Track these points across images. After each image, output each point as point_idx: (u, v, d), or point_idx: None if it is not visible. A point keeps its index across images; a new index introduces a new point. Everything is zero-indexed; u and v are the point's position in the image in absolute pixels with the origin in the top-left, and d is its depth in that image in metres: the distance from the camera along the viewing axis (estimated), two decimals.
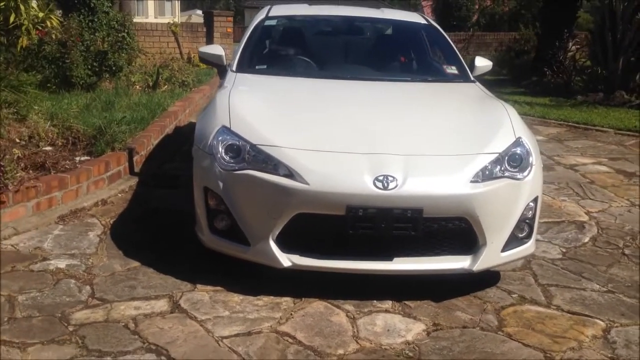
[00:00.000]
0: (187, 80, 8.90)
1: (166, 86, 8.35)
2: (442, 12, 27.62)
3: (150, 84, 8.18)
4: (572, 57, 12.13)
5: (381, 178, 3.06)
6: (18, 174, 3.99)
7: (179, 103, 7.30)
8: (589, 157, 6.86)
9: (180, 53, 11.52)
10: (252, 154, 3.24)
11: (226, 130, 3.37)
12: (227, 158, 3.28)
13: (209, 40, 12.23)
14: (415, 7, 39.56)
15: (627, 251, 4.12)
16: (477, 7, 28.51)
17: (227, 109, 3.51)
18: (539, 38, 13.71)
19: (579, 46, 12.59)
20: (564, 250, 4.09)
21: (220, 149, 3.31)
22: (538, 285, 3.55)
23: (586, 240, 4.30)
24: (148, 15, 43.62)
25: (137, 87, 8.10)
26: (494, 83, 13.59)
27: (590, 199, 5.26)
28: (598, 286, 3.56)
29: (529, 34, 16.24)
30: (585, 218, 4.75)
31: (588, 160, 6.70)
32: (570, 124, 8.67)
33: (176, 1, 51.29)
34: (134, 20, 10.26)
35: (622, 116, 9.10)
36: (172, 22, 11.36)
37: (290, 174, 3.11)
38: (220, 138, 3.34)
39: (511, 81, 13.52)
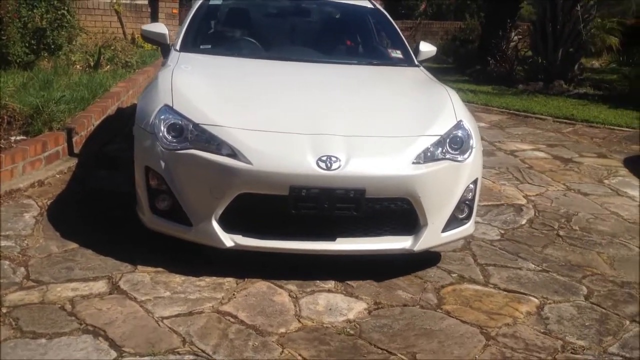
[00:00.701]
0: (131, 61, 8.67)
1: (108, 66, 8.12)
2: (390, 0, 27.76)
3: (92, 64, 7.93)
4: (514, 47, 12.41)
5: (324, 158, 3.07)
6: None
7: (122, 84, 7.12)
8: (528, 143, 7.06)
9: (124, 33, 11.20)
10: (195, 134, 3.19)
11: (169, 109, 3.31)
12: (169, 137, 3.22)
13: (154, 21, 11.93)
14: None
15: (561, 232, 4.28)
16: None
17: (169, 88, 3.45)
18: (483, 28, 13.98)
19: (521, 36, 12.89)
20: (502, 231, 4.21)
21: (162, 128, 3.24)
22: (477, 265, 3.64)
23: (523, 222, 4.43)
24: None
25: (78, 66, 7.84)
26: (440, 71, 13.79)
27: (529, 183, 5.43)
28: (533, 265, 3.69)
29: (474, 24, 16.54)
30: (523, 201, 4.89)
31: (527, 146, 6.90)
32: (511, 111, 8.89)
33: None
34: None
35: (560, 104, 9.40)
36: (114, 0, 11.01)
37: (234, 153, 3.08)
38: (162, 117, 3.28)
39: (456, 69, 13.75)
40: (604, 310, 3.18)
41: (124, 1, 11.75)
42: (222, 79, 3.84)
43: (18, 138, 4.71)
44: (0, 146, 4.34)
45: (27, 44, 7.15)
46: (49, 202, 4.04)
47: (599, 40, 17.41)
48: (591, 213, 4.71)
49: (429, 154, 3.29)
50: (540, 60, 11.22)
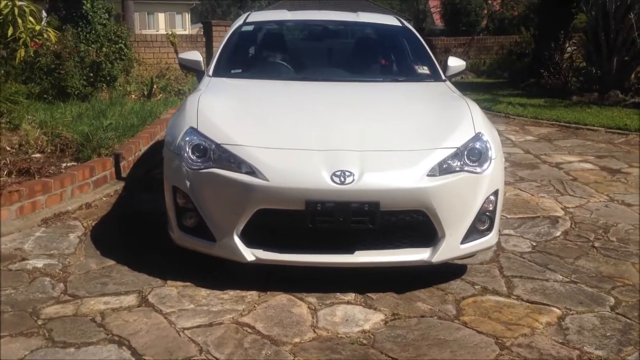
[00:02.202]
0: (183, 89, 9.08)
1: (161, 95, 8.53)
2: (451, 18, 27.72)
3: (146, 93, 8.35)
4: (569, 58, 12.16)
5: (338, 173, 3.17)
6: (1, 179, 4.14)
7: (172, 110, 7.44)
8: (576, 155, 6.91)
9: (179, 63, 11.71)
10: (218, 154, 3.36)
11: (193, 131, 3.50)
12: (193, 158, 3.40)
13: (209, 50, 12.41)
14: (424, 13, 39.67)
15: (596, 244, 4.18)
16: (485, 12, 28.59)
17: (195, 111, 3.64)
18: (535, 40, 13.75)
19: (575, 47, 12.61)
20: (534, 244, 4.16)
21: (187, 148, 3.43)
22: (502, 276, 3.63)
23: (558, 234, 4.36)
24: (159, 28, 44.12)
25: (133, 96, 8.29)
26: (494, 85, 13.71)
27: (570, 195, 5.32)
28: (561, 277, 3.63)
29: (529, 37, 16.28)
30: (560, 213, 4.81)
31: (574, 158, 6.75)
32: (561, 123, 8.72)
33: (186, 13, 51.88)
34: (143, 32, 10.45)
35: (615, 115, 9.13)
36: (170, 32, 11.55)
37: (252, 171, 3.22)
38: (187, 139, 3.47)
39: (510, 84, 13.58)
40: (628, 320, 3.11)
41: (180, 32, 12.29)
42: (246, 100, 4.02)
43: (69, 164, 5.03)
44: (50, 172, 4.65)
45: (84, 77, 7.62)
46: (93, 223, 4.30)
47: None
48: (631, 224, 4.57)
49: (445, 166, 3.33)
50: (594, 71, 10.94)
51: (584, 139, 7.86)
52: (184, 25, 49.33)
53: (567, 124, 8.65)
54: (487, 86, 13.44)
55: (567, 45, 12.52)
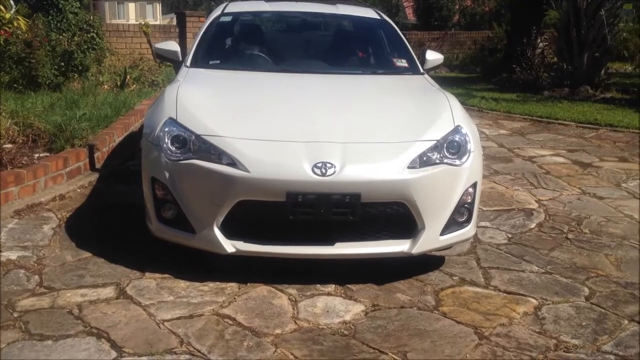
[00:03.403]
0: (157, 80, 8.97)
1: (135, 86, 8.41)
2: (423, 12, 27.82)
3: (119, 83, 8.22)
4: (540, 54, 12.33)
5: (319, 165, 3.17)
6: None
7: (146, 102, 7.36)
8: (548, 149, 7.02)
9: (153, 54, 11.55)
10: (197, 145, 3.33)
11: (172, 121, 3.46)
12: (172, 149, 3.36)
13: (182, 41, 12.26)
14: (396, 7, 39.77)
15: (570, 235, 4.26)
16: (457, 7, 28.77)
17: (174, 102, 3.60)
18: (508, 36, 13.92)
19: (547, 43, 12.79)
20: (509, 235, 4.22)
21: (166, 139, 3.39)
22: (480, 268, 3.67)
23: (532, 226, 4.43)
24: (129, 18, 43.52)
25: (106, 86, 8.15)
26: (466, 80, 13.84)
27: (543, 188, 5.41)
28: (537, 268, 3.69)
29: (501, 33, 16.46)
30: (534, 206, 4.88)
31: (547, 152, 6.86)
32: (534, 118, 8.85)
33: (157, 3, 51.25)
34: (113, 22, 10.30)
35: (585, 110, 9.30)
36: (143, 22, 11.38)
37: (233, 162, 3.20)
38: (166, 129, 3.43)
39: (482, 78, 13.74)
40: (603, 310, 3.18)
41: (151, 23, 12.14)
42: (225, 91, 3.99)
43: (41, 155, 4.94)
44: (22, 163, 4.56)
45: (55, 67, 7.47)
46: (67, 215, 4.23)
47: (632, 44, 17.14)
48: (604, 216, 4.67)
49: (424, 159, 3.35)
50: (565, 66, 11.13)
51: (556, 133, 7.99)
52: (155, 16, 48.69)
53: (539, 119, 8.78)
54: (460, 80, 13.56)
55: (539, 41, 12.68)
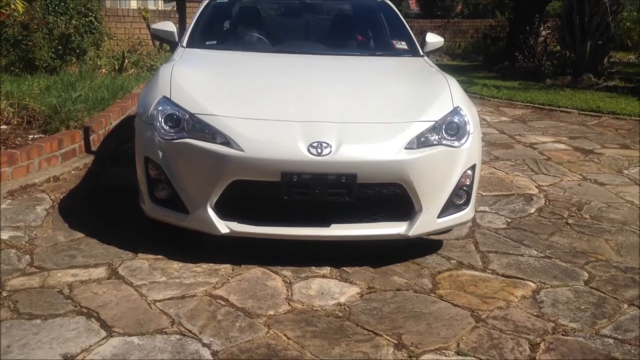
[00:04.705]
0: (156, 64, 8.89)
1: (133, 70, 8.34)
2: (426, 2, 27.64)
3: (117, 67, 8.15)
4: (543, 42, 12.23)
5: (315, 144, 3.10)
6: None
7: (144, 85, 7.28)
8: (550, 136, 6.95)
9: (152, 39, 11.46)
10: (191, 124, 3.26)
11: (166, 100, 3.40)
12: (166, 128, 3.30)
13: (182, 27, 12.16)
14: None
15: (570, 221, 4.20)
16: None
17: (169, 80, 3.53)
18: (510, 24, 13.80)
19: (550, 31, 12.68)
20: (509, 220, 4.16)
21: (160, 118, 3.33)
22: (478, 252, 3.62)
23: (532, 211, 4.37)
24: (130, 6, 43.25)
25: (104, 70, 8.09)
26: (469, 68, 13.74)
27: (544, 174, 5.34)
28: (536, 252, 3.64)
29: (504, 21, 16.32)
30: (535, 191, 4.82)
31: (548, 139, 6.79)
32: (536, 105, 8.77)
33: None
34: (111, 5, 10.21)
35: (588, 98, 9.22)
36: (142, 7, 11.29)
37: (227, 141, 3.14)
38: (160, 108, 3.36)
39: (484, 67, 13.63)
40: (602, 294, 3.12)
41: (152, 7, 12.03)
42: (221, 71, 3.92)
43: (36, 136, 4.88)
44: (16, 143, 4.50)
45: (53, 50, 7.40)
46: (61, 196, 4.17)
47: (635, 34, 17.02)
48: (604, 202, 4.61)
49: (422, 140, 3.29)
50: (568, 54, 11.03)
51: (558, 120, 7.91)
52: (156, 5, 48.42)
53: (540, 106, 8.70)
54: (462, 68, 13.44)
55: (542, 29, 12.57)
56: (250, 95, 3.51)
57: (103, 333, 2.58)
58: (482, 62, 14.57)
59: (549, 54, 11.76)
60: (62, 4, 8.84)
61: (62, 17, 7.90)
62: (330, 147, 3.11)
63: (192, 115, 3.28)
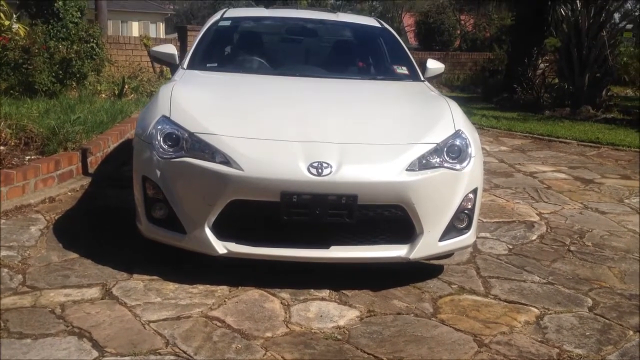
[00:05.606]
0: (155, 90, 8.89)
1: (132, 95, 8.34)
2: (425, 37, 27.99)
3: (116, 92, 8.16)
4: (541, 75, 12.32)
5: (315, 164, 3.06)
6: None
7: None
8: (549, 165, 6.93)
9: (153, 66, 11.53)
10: (190, 142, 3.23)
11: (166, 119, 3.36)
12: (165, 147, 3.26)
13: (183, 53, 12.24)
14: (398, 31, 40.04)
15: (572, 248, 4.15)
16: (458, 32, 28.99)
17: (168, 100, 3.51)
18: (509, 57, 13.92)
19: (548, 64, 12.78)
20: (510, 246, 4.11)
21: (159, 137, 3.29)
22: (479, 277, 3.55)
23: (534, 238, 4.32)
24: (132, 32, 43.68)
25: (103, 95, 8.09)
26: (467, 100, 13.77)
27: (544, 202, 5.30)
28: (539, 278, 3.57)
29: (502, 55, 16.50)
30: (536, 218, 4.77)
31: (548, 168, 6.77)
32: (535, 135, 8.78)
33: (161, 23, 51.58)
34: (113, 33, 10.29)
35: (586, 129, 9.24)
36: (143, 35, 11.37)
37: (226, 160, 3.10)
38: (159, 127, 3.33)
39: (483, 98, 13.70)
40: (607, 320, 3.05)
41: (153, 36, 12.14)
42: (221, 91, 3.90)
43: (33, 157, 4.84)
44: (13, 164, 4.46)
45: (53, 74, 7.40)
46: (56, 217, 4.11)
47: (632, 68, 17.17)
48: (606, 230, 4.56)
49: (424, 162, 3.25)
50: (566, 86, 11.09)
51: (557, 150, 7.91)
52: (158, 34, 48.98)
53: (540, 136, 8.71)
54: (461, 100, 13.35)
55: (540, 61, 12.68)
56: (251, 115, 3.48)
57: (95, 353, 2.50)
58: (480, 94, 14.66)
59: (547, 86, 11.84)
60: (64, 30, 8.92)
61: (63, 43, 7.93)
62: (331, 167, 3.07)
63: (191, 134, 3.25)
